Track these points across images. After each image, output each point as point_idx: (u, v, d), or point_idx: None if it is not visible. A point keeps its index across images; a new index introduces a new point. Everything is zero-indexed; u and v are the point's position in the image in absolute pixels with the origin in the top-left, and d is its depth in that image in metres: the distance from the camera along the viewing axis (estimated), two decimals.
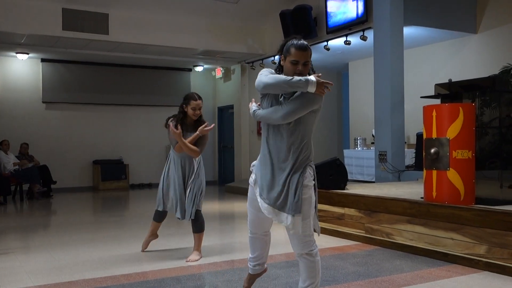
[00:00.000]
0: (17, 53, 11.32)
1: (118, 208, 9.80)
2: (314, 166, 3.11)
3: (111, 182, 12.56)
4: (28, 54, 11.47)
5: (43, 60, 12.12)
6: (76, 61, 12.40)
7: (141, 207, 9.46)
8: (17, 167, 10.44)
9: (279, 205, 2.95)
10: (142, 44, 10.64)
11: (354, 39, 9.51)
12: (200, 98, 4.75)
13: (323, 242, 5.52)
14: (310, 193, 2.97)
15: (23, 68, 12.05)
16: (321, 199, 6.09)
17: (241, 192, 10.13)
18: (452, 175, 4.57)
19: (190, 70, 13.88)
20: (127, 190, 12.43)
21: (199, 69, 13.70)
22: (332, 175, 6.21)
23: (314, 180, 3.03)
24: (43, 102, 12.22)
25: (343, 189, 6.17)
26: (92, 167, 12.73)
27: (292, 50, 3.00)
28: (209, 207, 8.73)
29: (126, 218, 8.36)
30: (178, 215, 4.78)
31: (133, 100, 13.19)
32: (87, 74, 12.63)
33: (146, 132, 13.40)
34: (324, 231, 5.96)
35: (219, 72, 13.90)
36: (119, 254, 5.12)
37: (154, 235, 5.22)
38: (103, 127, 12.90)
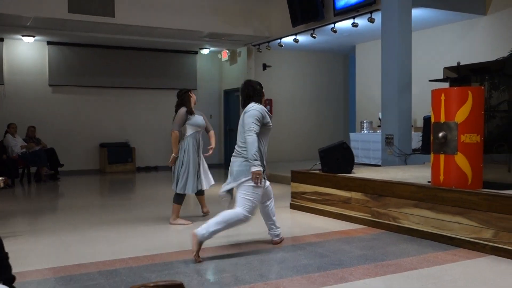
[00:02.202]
0: (23, 36, 11.30)
1: (125, 191, 9.86)
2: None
3: (118, 165, 12.62)
4: (34, 37, 11.45)
5: (49, 43, 12.10)
6: (82, 44, 12.37)
7: (148, 190, 9.52)
8: (24, 150, 10.50)
9: None
10: (148, 26, 10.58)
11: (362, 21, 9.41)
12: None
13: (330, 225, 5.54)
14: None
15: (29, 51, 12.03)
16: (327, 183, 6.10)
17: None
18: (460, 159, 4.55)
19: (196, 53, 13.82)
20: (134, 173, 12.49)
21: (205, 51, 13.64)
22: (339, 159, 6.19)
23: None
24: (49, 85, 12.23)
25: (350, 173, 6.17)
26: (98, 150, 12.78)
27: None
28: (215, 190, 8.75)
29: (133, 201, 8.41)
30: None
31: (139, 83, 13.18)
32: (93, 57, 12.60)
33: (152, 115, 13.40)
34: (330, 214, 5.98)
35: (225, 55, 13.83)
36: (127, 237, 5.17)
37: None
38: (109, 110, 12.92)
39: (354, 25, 9.49)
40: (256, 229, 5.49)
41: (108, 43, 12.33)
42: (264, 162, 4.48)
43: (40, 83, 12.15)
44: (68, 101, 12.47)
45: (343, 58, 14.20)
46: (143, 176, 11.96)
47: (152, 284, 1.30)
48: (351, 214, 5.70)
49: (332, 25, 9.95)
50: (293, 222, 6.00)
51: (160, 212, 6.71)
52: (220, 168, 13.63)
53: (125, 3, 10.17)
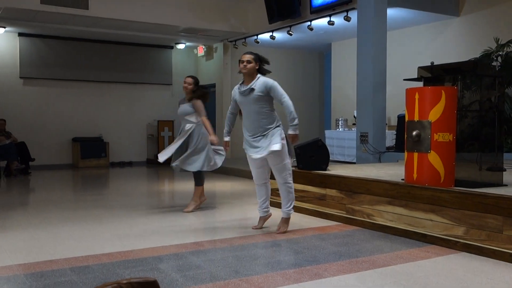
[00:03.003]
0: None
1: (98, 186, 9.73)
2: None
3: (91, 160, 12.45)
4: (4, 28, 11.18)
5: (20, 34, 11.83)
6: (55, 36, 12.14)
7: (122, 186, 9.41)
8: None
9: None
10: (123, 20, 10.45)
11: (338, 20, 9.48)
12: (188, 76, 6.37)
13: (304, 222, 5.57)
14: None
15: None
16: (302, 180, 6.13)
17: (221, 171, 10.09)
18: (433, 157, 4.62)
19: (172, 47, 13.71)
20: (107, 168, 12.33)
21: (181, 46, 13.54)
22: (313, 156, 6.22)
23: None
24: (20, 77, 11.97)
25: (325, 170, 6.20)
26: (71, 144, 12.58)
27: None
28: (190, 186, 8.72)
29: (106, 196, 8.30)
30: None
31: (114, 77, 13.01)
32: (67, 49, 12.39)
33: (127, 110, 13.26)
34: (305, 211, 6.01)
35: (201, 50, 13.76)
36: (100, 232, 5.10)
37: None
38: (82, 104, 12.72)
39: (330, 23, 9.55)
40: (231, 224, 5.49)
41: (82, 36, 12.14)
42: (247, 137, 4.96)
43: (10, 75, 11.88)
44: (40, 94, 12.23)
45: (319, 55, 14.28)
46: (117, 172, 11.82)
47: (125, 281, 1.28)
48: (326, 211, 5.74)
49: (309, 23, 10.00)
50: (269, 219, 6.00)
51: (134, 207, 6.63)
52: None
53: None
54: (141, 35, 12.05)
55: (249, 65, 4.81)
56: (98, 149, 12.59)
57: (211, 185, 9.03)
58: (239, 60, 4.91)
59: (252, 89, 4.79)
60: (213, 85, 13.41)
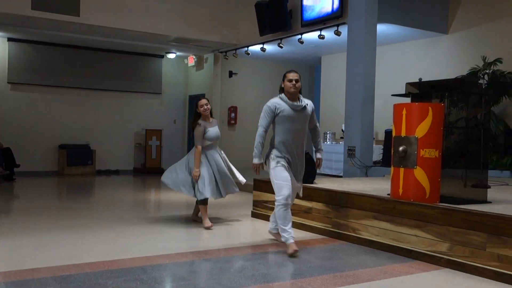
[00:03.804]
0: None
1: (84, 194, 9.64)
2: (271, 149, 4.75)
3: (77, 168, 12.35)
4: None
5: (10, 39, 11.76)
6: (45, 42, 12.08)
7: (108, 194, 9.34)
8: None
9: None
10: (114, 28, 10.43)
11: (328, 34, 9.55)
12: (204, 98, 6.08)
13: None
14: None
15: None
16: None
17: None
18: (419, 173, 4.65)
19: (162, 56, 13.71)
20: (94, 176, 12.23)
21: (171, 56, 13.55)
22: None
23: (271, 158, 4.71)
24: (8, 82, 11.88)
25: (312, 183, 6.21)
26: (57, 151, 12.47)
27: (287, 74, 4.77)
28: (177, 196, 8.68)
29: (91, 205, 8.23)
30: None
31: (103, 84, 12.96)
32: (56, 56, 12.33)
33: (115, 118, 13.20)
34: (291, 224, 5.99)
35: (191, 60, 13.77)
36: (84, 241, 5.04)
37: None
38: (70, 111, 12.64)
39: (321, 37, 9.62)
40: (217, 235, 5.46)
41: (72, 42, 12.09)
42: (285, 153, 4.71)
43: None
44: (28, 99, 12.14)
45: (309, 69, 14.36)
46: (103, 180, 11.73)
47: None
48: (312, 224, 5.74)
49: (299, 36, 10.07)
50: (254, 231, 5.99)
51: (119, 217, 6.58)
52: None
53: (91, 3, 10.00)
54: (132, 44, 12.04)
55: (298, 84, 4.70)
56: (84, 156, 12.49)
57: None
58: (287, 79, 4.71)
59: (305, 107, 4.72)
60: (203, 96, 13.40)
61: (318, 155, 5.06)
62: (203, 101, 5.95)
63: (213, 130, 5.93)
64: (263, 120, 4.73)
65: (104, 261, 4.24)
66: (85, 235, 5.33)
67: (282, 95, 4.73)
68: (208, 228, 5.72)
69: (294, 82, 4.67)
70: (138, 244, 4.99)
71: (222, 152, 6.18)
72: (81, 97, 12.76)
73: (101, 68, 12.87)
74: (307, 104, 4.74)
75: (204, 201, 5.88)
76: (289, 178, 4.64)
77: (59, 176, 12.07)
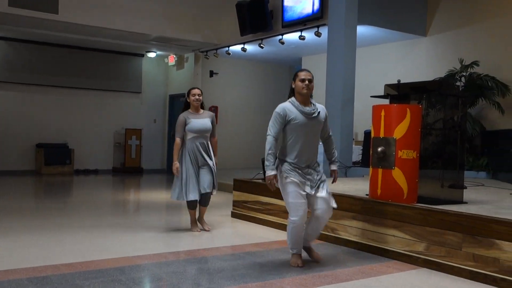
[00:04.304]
0: None
1: (61, 194, 9.52)
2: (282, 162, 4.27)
3: (55, 167, 12.19)
4: None
5: None
6: (22, 40, 11.89)
7: (86, 194, 9.23)
8: None
9: None
10: (93, 26, 10.31)
11: (309, 35, 9.60)
12: (196, 88, 5.70)
13: (270, 235, 5.57)
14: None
15: None
16: (269, 192, 6.12)
17: None
18: (397, 174, 4.70)
19: (142, 55, 13.61)
20: (72, 176, 12.08)
21: (151, 55, 13.45)
22: None
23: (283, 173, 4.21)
24: None
25: None
26: (35, 150, 12.28)
27: (299, 72, 4.26)
28: (156, 197, 8.62)
29: (69, 205, 8.13)
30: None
31: (81, 83, 12.81)
32: (34, 53, 12.15)
33: (94, 117, 13.05)
34: (271, 224, 6.01)
35: (172, 60, 13.70)
36: (61, 242, 4.98)
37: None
38: (48, 110, 12.46)
39: (302, 38, 9.66)
40: (196, 236, 5.44)
41: (50, 40, 11.93)
42: (297, 166, 4.18)
43: None
44: (4, 98, 11.94)
45: (289, 69, 14.40)
46: (81, 179, 11.59)
47: None
48: None
49: (280, 37, 10.09)
50: (233, 231, 5.99)
51: (97, 217, 6.51)
52: (163, 173, 13.45)
53: (70, 0, 9.87)
54: (111, 42, 11.93)
55: (311, 85, 4.23)
56: (62, 155, 12.33)
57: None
58: (299, 79, 4.22)
59: (319, 112, 4.25)
60: (183, 95, 13.33)
61: (333, 167, 4.50)
62: (196, 90, 5.56)
63: (197, 122, 5.44)
64: (272, 128, 4.18)
65: (81, 261, 4.20)
66: (62, 236, 5.27)
67: (293, 98, 4.22)
68: (194, 231, 5.63)
69: (307, 82, 4.19)
70: (116, 245, 4.94)
71: (215, 157, 5.66)
72: (60, 95, 12.60)
73: (80, 66, 12.72)
74: (320, 111, 4.26)
75: (189, 205, 5.58)
76: (304, 195, 4.16)
77: (36, 175, 11.89)
